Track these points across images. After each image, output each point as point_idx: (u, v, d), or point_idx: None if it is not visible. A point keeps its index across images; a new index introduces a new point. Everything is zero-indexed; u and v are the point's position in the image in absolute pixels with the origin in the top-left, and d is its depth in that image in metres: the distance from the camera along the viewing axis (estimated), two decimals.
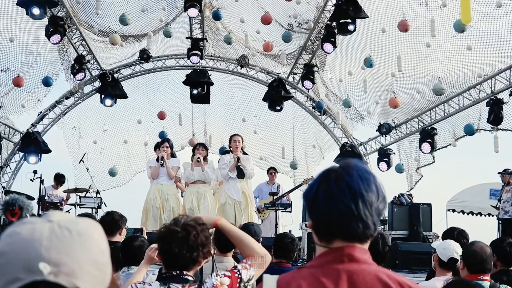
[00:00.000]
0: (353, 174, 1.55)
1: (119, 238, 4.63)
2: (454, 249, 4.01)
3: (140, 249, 3.88)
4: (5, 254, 1.04)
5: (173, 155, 9.47)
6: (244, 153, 9.40)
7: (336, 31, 10.86)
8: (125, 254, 4.00)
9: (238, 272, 2.60)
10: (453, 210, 14.37)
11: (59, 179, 11.77)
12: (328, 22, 11.37)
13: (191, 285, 2.50)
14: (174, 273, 2.51)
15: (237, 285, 2.56)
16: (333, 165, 1.63)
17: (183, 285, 2.49)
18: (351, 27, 10.23)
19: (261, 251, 2.69)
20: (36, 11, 9.98)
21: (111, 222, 4.58)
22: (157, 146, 9.49)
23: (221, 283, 2.53)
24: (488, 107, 10.07)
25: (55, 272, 1.02)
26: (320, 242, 1.58)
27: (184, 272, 2.50)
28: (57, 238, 1.05)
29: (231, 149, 9.22)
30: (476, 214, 14.38)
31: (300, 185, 10.88)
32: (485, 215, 14.00)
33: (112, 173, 14.55)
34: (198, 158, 8.80)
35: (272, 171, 11.09)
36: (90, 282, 1.05)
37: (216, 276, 2.57)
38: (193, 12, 11.38)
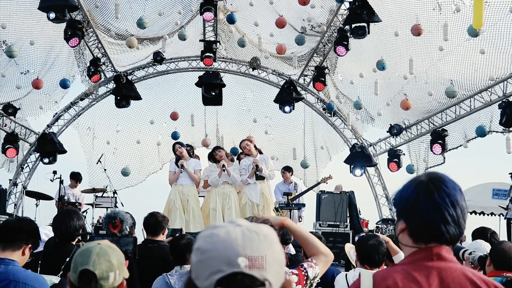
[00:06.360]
0: (449, 185, 1.78)
1: (162, 237, 4.83)
2: (485, 249, 4.22)
3: (187, 247, 3.98)
4: (207, 251, 1.30)
5: (190, 154, 9.54)
6: (260, 152, 9.59)
7: (349, 34, 11.06)
8: (174, 253, 4.16)
9: (304, 270, 2.75)
10: None
11: (77, 177, 11.86)
12: (341, 25, 11.57)
13: None
14: None
15: (304, 282, 2.74)
16: (420, 176, 1.85)
17: None
18: (362, 32, 10.46)
19: (325, 250, 2.81)
20: (52, 16, 10.15)
21: (156, 223, 4.75)
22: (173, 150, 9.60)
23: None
24: (500, 110, 10.26)
25: (249, 265, 1.27)
26: (416, 244, 1.81)
27: None
28: (248, 239, 1.30)
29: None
30: (479, 214, 14.49)
31: (319, 183, 11.04)
32: (487, 215, 14.10)
33: (124, 173, 14.69)
34: (223, 165, 9.02)
35: (284, 170, 11.26)
36: (275, 277, 1.28)
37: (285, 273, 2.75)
38: (208, 15, 11.58)
